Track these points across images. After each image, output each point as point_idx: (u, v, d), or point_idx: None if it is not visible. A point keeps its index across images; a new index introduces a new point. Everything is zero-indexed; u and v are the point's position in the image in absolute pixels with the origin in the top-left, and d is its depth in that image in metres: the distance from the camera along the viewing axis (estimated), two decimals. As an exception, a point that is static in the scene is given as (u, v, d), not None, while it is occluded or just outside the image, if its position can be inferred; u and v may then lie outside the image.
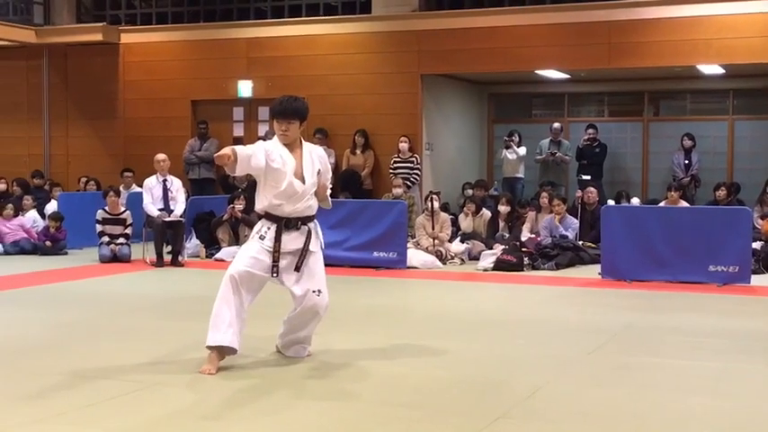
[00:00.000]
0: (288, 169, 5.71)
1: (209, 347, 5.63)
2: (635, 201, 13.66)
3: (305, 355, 6.02)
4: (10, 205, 13.05)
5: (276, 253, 5.71)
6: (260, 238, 5.75)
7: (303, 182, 5.77)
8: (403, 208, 11.17)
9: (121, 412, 4.77)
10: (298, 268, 5.78)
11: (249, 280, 5.68)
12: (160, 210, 11.55)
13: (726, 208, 11.95)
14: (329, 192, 6.09)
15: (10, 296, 8.98)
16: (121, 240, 11.76)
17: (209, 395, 5.14)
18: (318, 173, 5.87)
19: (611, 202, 13.26)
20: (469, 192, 14.07)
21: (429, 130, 14.67)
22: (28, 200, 14.03)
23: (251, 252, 5.72)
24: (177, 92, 15.82)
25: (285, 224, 5.75)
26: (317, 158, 5.88)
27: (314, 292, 5.82)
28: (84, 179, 15.23)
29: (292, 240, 5.77)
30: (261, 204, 5.81)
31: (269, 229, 5.75)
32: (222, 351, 5.63)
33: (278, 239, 5.71)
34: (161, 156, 11.89)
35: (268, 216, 5.78)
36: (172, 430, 4.50)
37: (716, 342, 6.69)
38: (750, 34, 12.81)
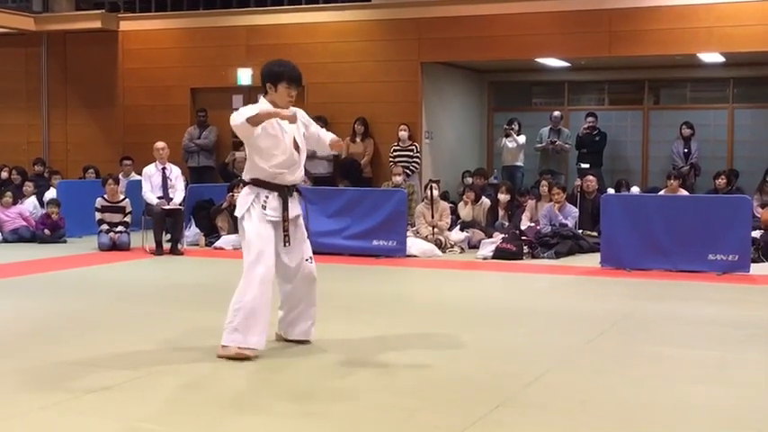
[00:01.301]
0: (287, 139, 5.70)
1: (243, 348, 5.56)
2: (635, 189, 13.65)
3: (312, 333, 5.99)
4: (9, 193, 13.04)
5: (286, 222, 5.70)
6: (262, 206, 5.66)
7: (298, 151, 5.77)
8: (402, 196, 11.16)
9: (122, 400, 4.77)
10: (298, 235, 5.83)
11: (272, 274, 5.68)
12: (159, 198, 11.54)
13: (725, 197, 11.95)
14: (328, 137, 6.02)
15: (9, 284, 8.98)
16: (120, 228, 11.75)
17: (211, 384, 5.14)
18: (304, 135, 5.84)
19: (611, 191, 13.25)
20: (469, 180, 14.06)
21: (429, 118, 14.65)
22: (29, 186, 14.02)
23: (270, 246, 5.63)
24: (176, 80, 15.79)
25: (288, 192, 5.74)
26: (300, 120, 5.85)
27: (307, 260, 5.87)
28: (87, 168, 15.17)
29: (293, 208, 5.79)
30: (259, 174, 5.69)
31: (267, 197, 5.69)
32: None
33: (285, 208, 5.69)
34: (160, 144, 11.86)
35: (266, 185, 5.69)
36: (170, 419, 4.50)
37: (716, 331, 6.70)
38: (751, 22, 12.78)
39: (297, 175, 5.79)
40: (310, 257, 5.91)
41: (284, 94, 5.72)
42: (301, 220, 5.89)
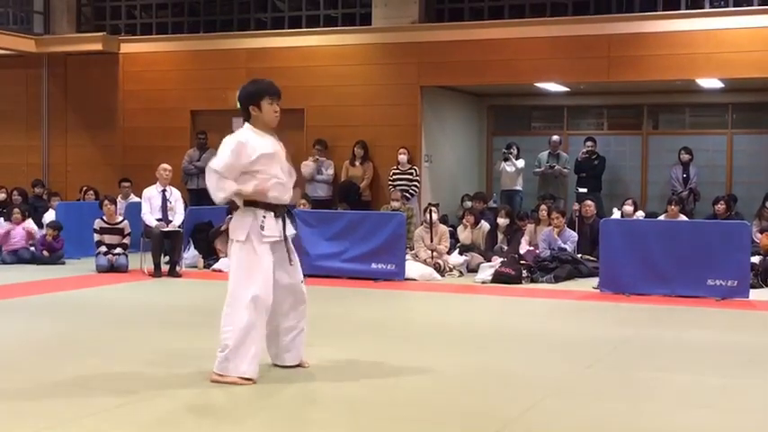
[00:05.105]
0: (278, 159, 5.70)
1: (235, 377, 5.51)
2: (640, 214, 13.51)
3: (305, 357, 5.95)
4: (17, 209, 13.02)
5: (285, 241, 5.68)
6: (260, 227, 5.60)
7: (287, 170, 5.78)
8: (401, 220, 11.15)
9: (117, 423, 4.74)
10: (290, 260, 5.81)
11: (270, 301, 5.64)
12: (158, 220, 11.53)
13: (724, 222, 11.93)
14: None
15: (6, 306, 8.95)
16: (119, 250, 11.73)
17: (206, 407, 5.11)
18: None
19: (616, 213, 13.23)
20: (468, 204, 14.06)
21: (428, 141, 14.67)
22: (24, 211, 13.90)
23: (269, 270, 5.60)
24: (177, 102, 15.82)
25: (285, 212, 5.74)
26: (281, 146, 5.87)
27: (301, 282, 5.87)
28: (84, 188, 15.20)
29: (288, 228, 5.77)
30: (257, 196, 5.64)
31: (264, 217, 5.62)
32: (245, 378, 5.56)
33: (283, 227, 5.67)
34: (167, 166, 11.87)
35: (262, 205, 5.62)
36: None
37: (716, 357, 6.67)
38: (749, 48, 12.83)
39: (289, 195, 5.78)
40: (302, 279, 5.90)
41: (269, 110, 5.68)
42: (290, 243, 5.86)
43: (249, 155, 5.55)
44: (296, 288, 5.83)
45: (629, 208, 13.10)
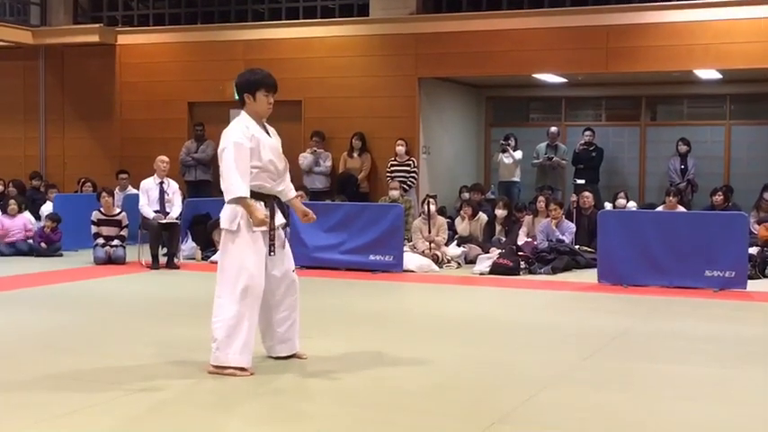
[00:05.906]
0: (273, 150, 5.71)
1: (229, 367, 5.52)
2: (632, 204, 13.61)
3: (300, 349, 5.94)
4: (12, 201, 13.00)
5: (272, 231, 5.66)
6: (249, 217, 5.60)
7: (281, 161, 5.78)
8: (399, 211, 11.15)
9: (112, 415, 4.74)
10: (282, 245, 5.81)
11: (261, 291, 5.63)
12: (156, 212, 11.52)
13: (722, 213, 11.94)
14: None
15: (3, 298, 8.93)
16: (116, 242, 11.73)
17: (201, 400, 5.11)
18: None
19: (608, 206, 13.24)
20: (466, 195, 14.06)
21: (426, 133, 14.66)
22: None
23: (259, 259, 5.59)
24: (174, 94, 15.80)
25: (275, 202, 5.73)
26: (276, 136, 5.86)
27: (293, 271, 5.87)
28: (82, 180, 15.18)
29: (277, 218, 5.76)
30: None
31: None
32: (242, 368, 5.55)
33: (272, 217, 5.66)
34: (165, 158, 11.85)
35: (254, 194, 5.59)
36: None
37: (714, 348, 6.67)
38: (748, 39, 12.82)
39: (282, 185, 5.78)
40: (294, 269, 5.91)
41: (264, 102, 5.72)
42: (281, 231, 5.84)
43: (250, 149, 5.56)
44: (287, 278, 5.83)
45: (622, 201, 13.12)
